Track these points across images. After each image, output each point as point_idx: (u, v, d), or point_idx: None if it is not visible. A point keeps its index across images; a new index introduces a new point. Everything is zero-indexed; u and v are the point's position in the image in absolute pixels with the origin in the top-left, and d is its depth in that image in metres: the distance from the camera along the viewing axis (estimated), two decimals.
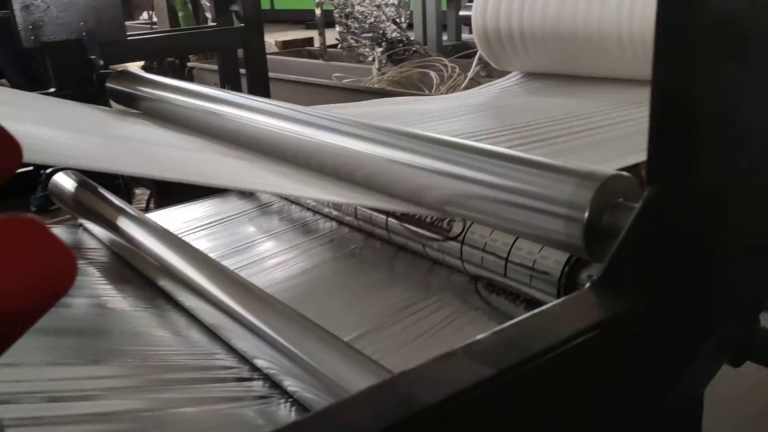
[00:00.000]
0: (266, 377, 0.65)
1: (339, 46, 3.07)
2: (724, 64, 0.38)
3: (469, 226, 0.77)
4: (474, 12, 1.39)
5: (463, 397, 0.34)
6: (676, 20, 0.39)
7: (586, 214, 0.53)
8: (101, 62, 1.35)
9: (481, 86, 1.55)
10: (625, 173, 0.54)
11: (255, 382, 0.65)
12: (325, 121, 0.83)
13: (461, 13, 1.57)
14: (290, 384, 0.61)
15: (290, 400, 0.62)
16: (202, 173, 0.83)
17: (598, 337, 0.40)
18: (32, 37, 1.29)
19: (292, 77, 2.51)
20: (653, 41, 0.39)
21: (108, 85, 1.27)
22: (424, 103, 1.34)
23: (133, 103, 1.21)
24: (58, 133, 0.83)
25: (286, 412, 0.61)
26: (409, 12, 2.94)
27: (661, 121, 0.39)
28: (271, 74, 1.95)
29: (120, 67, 1.41)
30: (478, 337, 0.38)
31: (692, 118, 0.38)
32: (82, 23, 1.33)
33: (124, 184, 1.46)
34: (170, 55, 2.90)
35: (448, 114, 1.18)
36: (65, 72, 1.32)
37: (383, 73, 2.56)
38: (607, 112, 1.08)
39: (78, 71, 1.33)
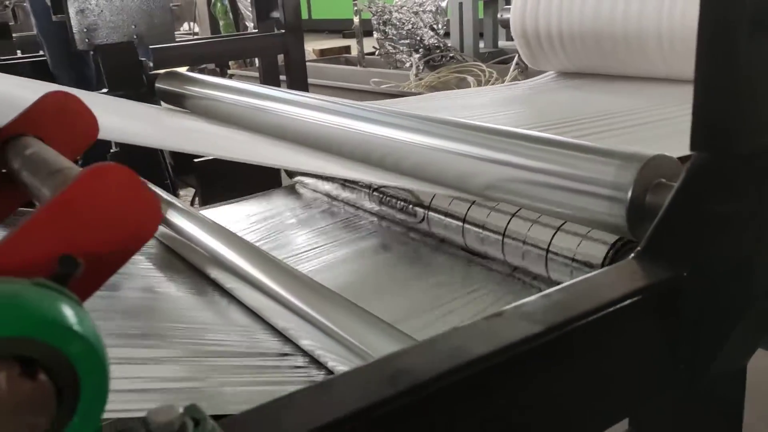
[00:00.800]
0: (307, 354, 0.67)
1: (377, 52, 3.10)
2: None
3: (510, 219, 0.79)
4: (513, 12, 1.41)
5: (510, 350, 0.36)
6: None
7: (629, 194, 0.54)
8: (151, 64, 1.40)
9: (513, 82, 1.56)
10: (666, 154, 0.56)
11: (298, 358, 0.67)
12: (368, 113, 0.86)
13: (499, 16, 1.60)
14: (333, 362, 0.63)
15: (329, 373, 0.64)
16: (250, 153, 0.86)
17: (640, 302, 0.41)
18: (86, 40, 1.35)
19: (331, 83, 2.55)
20: (698, 20, 0.41)
21: (157, 85, 1.32)
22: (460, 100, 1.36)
23: (182, 102, 1.25)
24: (122, 119, 0.87)
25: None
26: (446, 19, 2.95)
27: (705, 92, 0.40)
28: (310, 80, 1.99)
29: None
30: (526, 299, 0.40)
31: (734, 89, 0.39)
32: (133, 26, 1.38)
33: (171, 184, 1.51)
34: (215, 60, 2.99)
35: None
36: (117, 73, 1.37)
37: (420, 79, 2.58)
38: (647, 110, 1.09)
39: (129, 73, 1.38)
